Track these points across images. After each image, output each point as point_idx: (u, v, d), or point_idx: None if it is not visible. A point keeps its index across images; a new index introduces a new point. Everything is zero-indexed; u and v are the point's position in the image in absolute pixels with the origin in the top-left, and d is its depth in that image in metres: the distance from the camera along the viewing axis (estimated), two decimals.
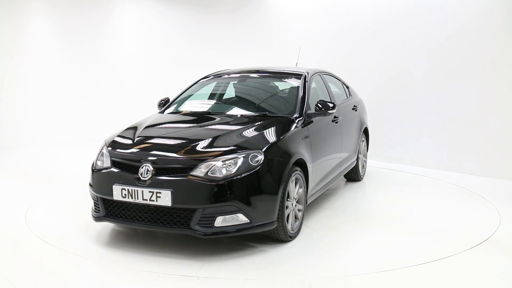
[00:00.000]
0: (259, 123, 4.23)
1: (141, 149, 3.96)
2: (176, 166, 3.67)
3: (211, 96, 5.24)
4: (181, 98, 5.24)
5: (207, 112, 4.84)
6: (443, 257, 3.64)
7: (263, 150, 3.74)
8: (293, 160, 3.93)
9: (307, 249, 3.85)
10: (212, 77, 5.48)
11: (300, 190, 4.13)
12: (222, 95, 5.23)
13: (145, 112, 5.80)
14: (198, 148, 3.80)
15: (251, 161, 3.65)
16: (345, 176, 6.02)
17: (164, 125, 4.55)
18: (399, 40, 7.47)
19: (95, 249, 3.84)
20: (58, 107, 9.61)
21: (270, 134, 4.03)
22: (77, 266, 3.51)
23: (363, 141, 6.24)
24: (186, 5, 10.42)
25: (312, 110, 4.65)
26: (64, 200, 5.31)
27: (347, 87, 6.17)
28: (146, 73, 10.39)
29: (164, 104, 5.23)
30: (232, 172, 3.56)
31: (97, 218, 3.96)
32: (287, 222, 3.92)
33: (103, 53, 10.05)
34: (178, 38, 10.44)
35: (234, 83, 5.29)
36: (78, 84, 9.87)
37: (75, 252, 3.75)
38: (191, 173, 3.58)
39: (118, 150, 4.01)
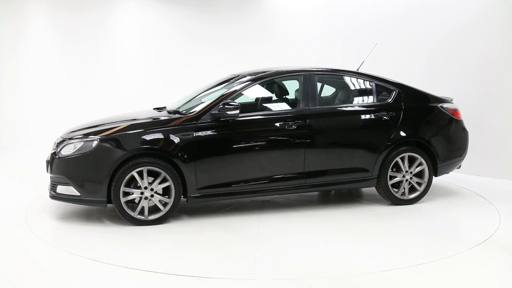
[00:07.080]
0: (152, 119, 4.62)
1: (71, 132, 4.72)
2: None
3: (195, 96, 5.33)
4: (182, 97, 5.48)
5: (162, 107, 5.24)
6: (443, 257, 3.64)
7: (100, 138, 4.32)
8: (135, 152, 4.30)
9: (307, 248, 3.86)
10: (220, 79, 5.58)
11: (165, 184, 4.36)
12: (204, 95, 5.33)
13: None
14: (77, 132, 4.58)
15: (87, 146, 4.32)
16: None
17: (122, 117, 4.84)
18: (398, 40, 7.47)
19: (95, 249, 3.84)
20: (58, 107, 9.61)
21: (132, 127, 4.42)
22: (77, 266, 3.51)
23: (416, 158, 5.04)
24: (186, 4, 10.42)
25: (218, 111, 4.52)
26: None
27: (393, 91, 5.16)
28: (146, 72, 10.39)
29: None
30: (70, 152, 4.35)
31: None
32: (133, 208, 4.34)
33: (103, 52, 10.05)
34: (178, 37, 10.44)
35: (222, 84, 5.32)
36: (78, 83, 9.87)
37: (75, 252, 3.75)
38: (57, 150, 4.46)
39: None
